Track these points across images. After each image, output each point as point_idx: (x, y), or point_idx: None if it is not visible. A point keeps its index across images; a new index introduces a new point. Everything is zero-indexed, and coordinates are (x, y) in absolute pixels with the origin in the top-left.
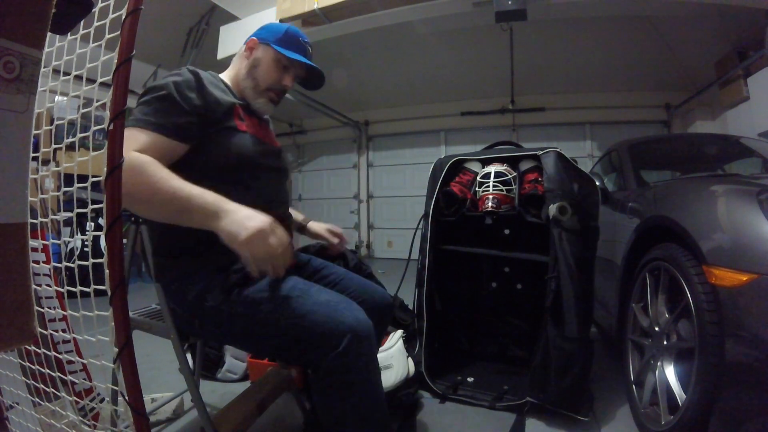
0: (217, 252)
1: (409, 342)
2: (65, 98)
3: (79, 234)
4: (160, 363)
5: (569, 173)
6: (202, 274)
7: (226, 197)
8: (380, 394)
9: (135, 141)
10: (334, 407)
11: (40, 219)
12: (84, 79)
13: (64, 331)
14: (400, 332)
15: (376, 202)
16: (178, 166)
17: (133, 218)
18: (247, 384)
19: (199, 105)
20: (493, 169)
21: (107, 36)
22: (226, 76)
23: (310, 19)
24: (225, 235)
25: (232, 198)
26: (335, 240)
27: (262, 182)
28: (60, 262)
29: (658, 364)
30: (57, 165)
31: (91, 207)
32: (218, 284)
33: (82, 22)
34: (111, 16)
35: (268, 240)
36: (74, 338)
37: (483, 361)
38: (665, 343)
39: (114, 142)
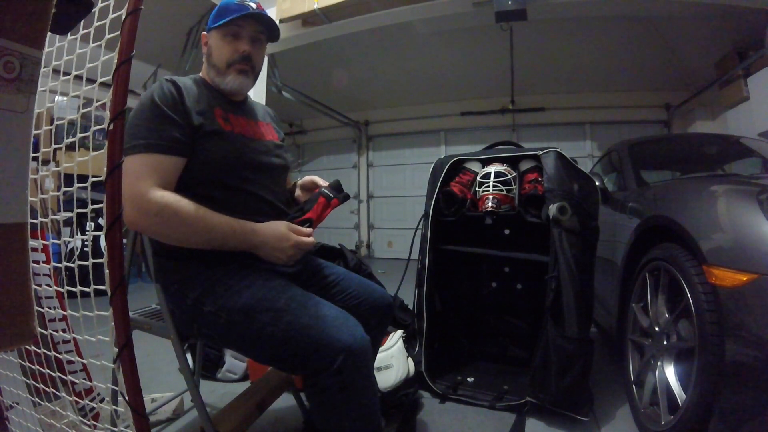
0: (218, 256)
1: (409, 342)
2: (65, 98)
3: (79, 234)
4: (160, 363)
5: (569, 173)
6: (202, 278)
7: (224, 203)
8: (375, 408)
9: (148, 171)
10: (329, 420)
11: (40, 219)
12: (84, 79)
13: (64, 331)
14: (400, 332)
15: (376, 202)
16: None
17: None
18: (247, 384)
19: (186, 114)
20: (493, 169)
21: (107, 36)
22: (203, 75)
23: (310, 19)
24: (265, 259)
25: (230, 204)
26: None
27: (256, 184)
28: (60, 262)
29: (658, 364)
30: (57, 165)
31: (91, 207)
32: (216, 290)
33: (82, 22)
34: (111, 16)
35: (297, 254)
36: (74, 338)
37: (483, 361)
38: (665, 343)
39: (114, 142)
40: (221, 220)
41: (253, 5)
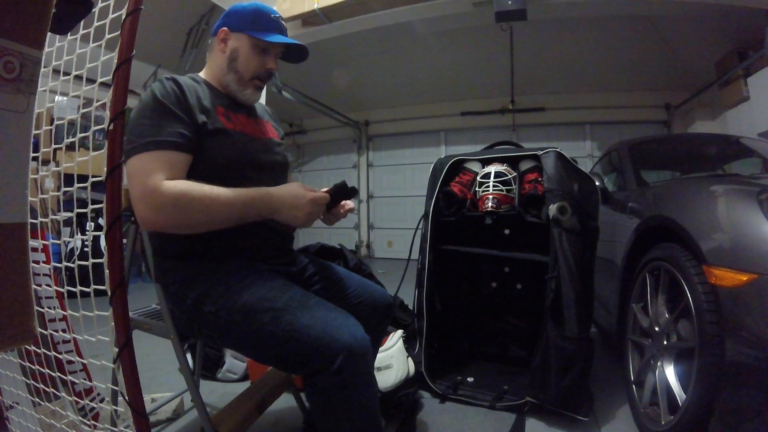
0: (218, 253)
1: (409, 342)
2: (65, 98)
3: (79, 234)
4: (160, 363)
5: (569, 173)
6: (202, 278)
7: None
8: (375, 408)
9: (158, 167)
10: (329, 420)
11: (40, 219)
12: (84, 79)
13: (64, 331)
14: (400, 332)
15: (376, 202)
16: None
17: (133, 218)
18: (247, 384)
19: (190, 112)
20: (493, 169)
21: (107, 36)
22: (206, 74)
23: (310, 19)
24: (283, 222)
25: None
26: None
27: (258, 182)
28: (60, 262)
29: (658, 364)
30: (57, 165)
31: (91, 207)
32: (216, 289)
33: (82, 22)
34: (111, 16)
35: (315, 211)
36: (74, 338)
37: (483, 361)
38: (665, 343)
39: (114, 142)
40: (237, 193)
41: (284, 23)
